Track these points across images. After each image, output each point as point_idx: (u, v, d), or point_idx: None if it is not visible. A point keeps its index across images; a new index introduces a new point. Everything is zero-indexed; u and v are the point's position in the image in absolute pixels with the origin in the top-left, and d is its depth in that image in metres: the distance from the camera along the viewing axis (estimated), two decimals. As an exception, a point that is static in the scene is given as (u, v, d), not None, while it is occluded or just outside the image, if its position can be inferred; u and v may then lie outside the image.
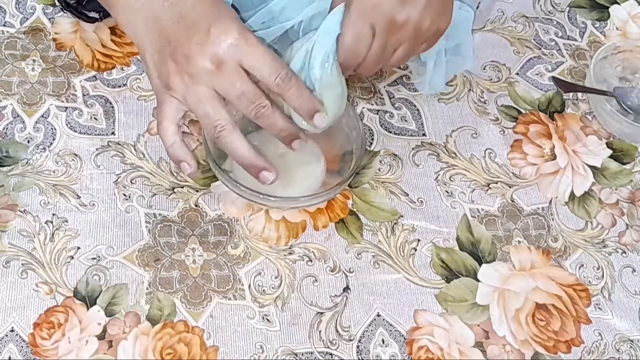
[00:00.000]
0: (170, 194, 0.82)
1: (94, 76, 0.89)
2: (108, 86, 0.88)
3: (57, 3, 0.93)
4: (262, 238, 0.80)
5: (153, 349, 0.73)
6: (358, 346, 0.76)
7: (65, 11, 0.92)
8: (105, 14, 0.92)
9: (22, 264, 0.76)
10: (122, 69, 0.90)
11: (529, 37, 1.00)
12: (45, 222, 0.79)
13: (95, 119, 0.86)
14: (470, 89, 0.94)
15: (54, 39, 0.91)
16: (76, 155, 0.83)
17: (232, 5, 0.77)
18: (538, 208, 0.86)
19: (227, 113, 0.70)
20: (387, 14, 0.71)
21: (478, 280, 0.80)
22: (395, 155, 0.88)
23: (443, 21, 0.75)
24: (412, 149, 0.88)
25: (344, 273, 0.79)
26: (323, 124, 0.74)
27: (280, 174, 0.78)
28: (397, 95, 0.92)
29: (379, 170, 0.86)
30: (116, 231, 0.79)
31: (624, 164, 0.91)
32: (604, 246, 0.85)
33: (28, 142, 0.83)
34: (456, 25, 0.79)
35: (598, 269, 0.83)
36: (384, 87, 0.93)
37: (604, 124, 0.93)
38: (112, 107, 0.87)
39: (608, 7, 1.05)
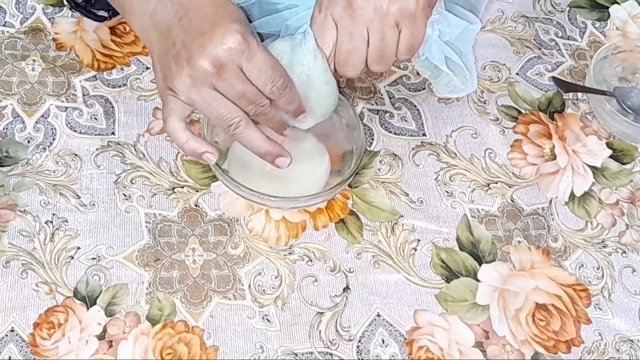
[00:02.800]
0: (170, 194, 0.82)
1: (94, 76, 0.89)
2: (108, 86, 0.88)
3: (66, 2, 0.93)
4: (262, 238, 0.80)
5: (153, 349, 0.73)
6: (358, 346, 0.76)
7: (74, 10, 0.92)
8: (114, 13, 0.92)
9: (22, 264, 0.76)
10: (122, 69, 0.90)
11: (529, 37, 1.00)
12: (45, 222, 0.79)
13: (95, 119, 0.86)
14: (470, 89, 0.94)
15: (54, 39, 0.91)
16: (76, 155, 0.83)
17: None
18: (538, 208, 0.86)
19: (239, 110, 0.72)
20: (340, 0, 0.74)
21: (478, 280, 0.80)
22: (395, 155, 0.88)
23: None
24: (412, 149, 0.88)
25: (344, 273, 0.79)
26: (307, 124, 0.79)
27: (285, 174, 0.79)
28: (397, 95, 0.92)
29: (379, 170, 0.86)
30: (116, 231, 0.79)
31: (624, 164, 0.91)
32: (604, 246, 0.85)
33: (28, 142, 0.83)
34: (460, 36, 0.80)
35: (598, 269, 0.83)
36: (384, 87, 0.93)
37: (604, 124, 0.93)
38: (112, 107, 0.87)
39: (608, 7, 1.05)
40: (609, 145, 0.92)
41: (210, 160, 0.75)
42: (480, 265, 0.81)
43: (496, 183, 0.87)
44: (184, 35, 0.70)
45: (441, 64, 0.84)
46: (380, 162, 0.87)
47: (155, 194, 0.82)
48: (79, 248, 0.78)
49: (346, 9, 0.74)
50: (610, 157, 0.91)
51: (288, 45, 0.76)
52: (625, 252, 0.84)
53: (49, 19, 0.93)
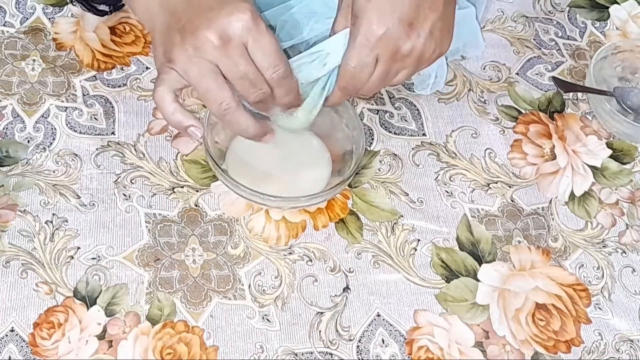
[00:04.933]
0: (170, 194, 0.82)
1: (94, 76, 0.89)
2: (108, 86, 0.88)
3: None
4: (262, 238, 0.80)
5: (153, 349, 0.73)
6: (358, 346, 0.76)
7: (74, 4, 0.92)
8: (115, 7, 0.91)
9: (22, 264, 0.76)
10: (122, 69, 0.90)
11: (529, 37, 1.00)
12: (45, 222, 0.79)
13: (95, 118, 0.86)
14: (470, 89, 0.94)
15: (54, 39, 0.91)
16: (76, 155, 0.83)
17: None
18: (538, 208, 0.86)
19: (230, 91, 0.70)
20: (393, 45, 0.71)
21: (478, 280, 0.80)
22: (395, 155, 0.88)
23: (445, 44, 0.75)
24: (412, 149, 0.88)
25: (344, 273, 0.79)
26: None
27: (287, 175, 0.79)
28: (397, 95, 0.92)
29: (379, 170, 0.86)
30: (116, 231, 0.79)
31: (624, 164, 0.91)
32: (604, 246, 0.85)
33: (28, 142, 0.83)
34: (459, 26, 0.78)
35: (598, 269, 0.83)
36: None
37: (604, 124, 0.93)
38: (112, 107, 0.87)
39: (608, 7, 1.05)
40: (609, 145, 0.92)
41: (195, 135, 0.72)
42: (480, 265, 0.81)
43: (496, 183, 0.87)
44: (191, 12, 0.69)
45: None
46: (380, 162, 0.87)
47: (155, 194, 0.82)
48: (79, 248, 0.78)
49: (396, 53, 0.71)
50: (610, 157, 0.91)
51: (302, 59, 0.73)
52: (625, 252, 0.85)
53: (49, 18, 0.93)
